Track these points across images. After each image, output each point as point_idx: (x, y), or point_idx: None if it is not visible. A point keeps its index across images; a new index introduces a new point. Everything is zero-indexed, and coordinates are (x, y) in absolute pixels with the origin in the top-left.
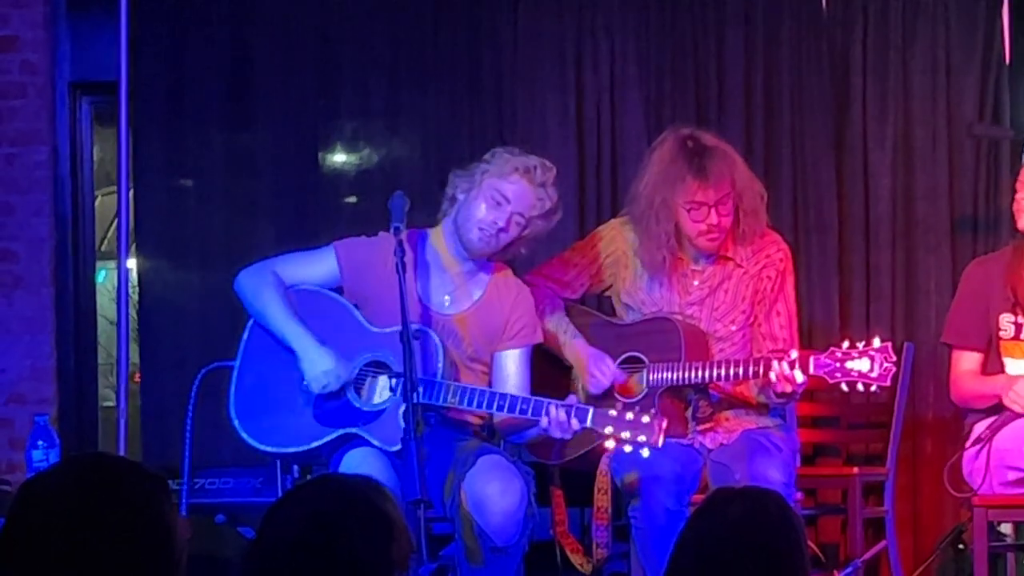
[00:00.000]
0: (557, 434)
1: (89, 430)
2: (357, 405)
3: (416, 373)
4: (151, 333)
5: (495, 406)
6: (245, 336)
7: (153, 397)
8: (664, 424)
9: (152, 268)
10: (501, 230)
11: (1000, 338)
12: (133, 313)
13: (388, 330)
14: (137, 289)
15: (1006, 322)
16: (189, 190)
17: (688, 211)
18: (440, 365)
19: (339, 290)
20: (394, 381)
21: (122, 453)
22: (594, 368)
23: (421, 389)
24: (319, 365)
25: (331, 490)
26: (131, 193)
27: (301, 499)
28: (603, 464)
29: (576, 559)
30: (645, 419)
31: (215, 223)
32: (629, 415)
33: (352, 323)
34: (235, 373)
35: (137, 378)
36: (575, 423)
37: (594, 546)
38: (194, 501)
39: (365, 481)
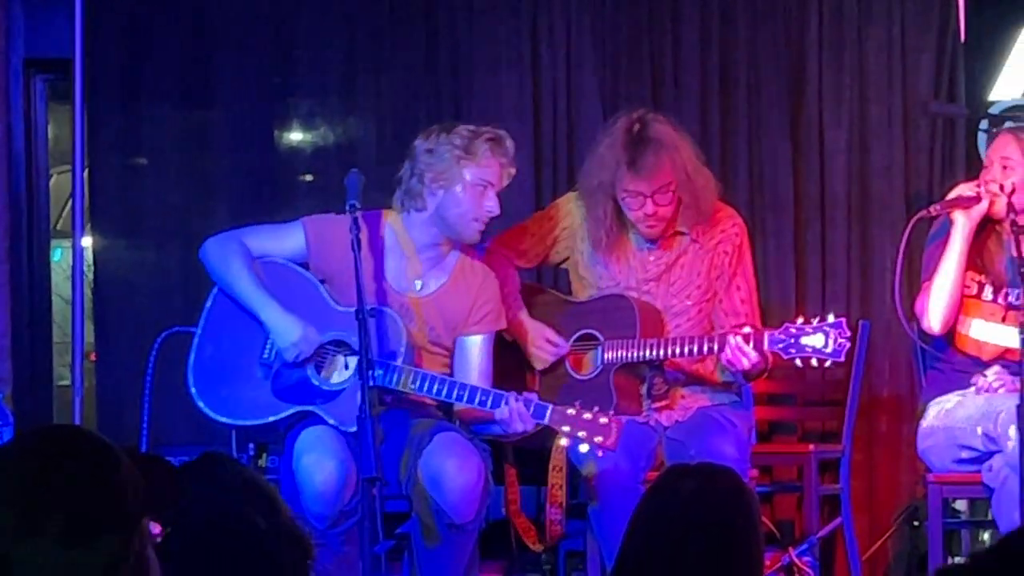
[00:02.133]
0: (518, 427)
1: (44, 409)
2: (316, 383)
3: (372, 353)
4: (106, 312)
5: (455, 395)
6: (209, 304)
7: (108, 376)
8: (621, 426)
9: (107, 246)
10: (490, 212)
11: (963, 293)
12: (88, 292)
13: (352, 309)
14: (92, 268)
15: (971, 279)
16: (144, 168)
17: (624, 198)
18: (402, 348)
19: (305, 266)
20: (353, 361)
21: None
22: (533, 347)
23: (381, 372)
24: (290, 335)
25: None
26: (86, 171)
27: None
28: (558, 442)
29: (528, 538)
30: (603, 420)
31: (170, 201)
32: (587, 415)
33: (317, 300)
34: (196, 340)
35: (92, 357)
36: (532, 421)
37: (548, 524)
38: None
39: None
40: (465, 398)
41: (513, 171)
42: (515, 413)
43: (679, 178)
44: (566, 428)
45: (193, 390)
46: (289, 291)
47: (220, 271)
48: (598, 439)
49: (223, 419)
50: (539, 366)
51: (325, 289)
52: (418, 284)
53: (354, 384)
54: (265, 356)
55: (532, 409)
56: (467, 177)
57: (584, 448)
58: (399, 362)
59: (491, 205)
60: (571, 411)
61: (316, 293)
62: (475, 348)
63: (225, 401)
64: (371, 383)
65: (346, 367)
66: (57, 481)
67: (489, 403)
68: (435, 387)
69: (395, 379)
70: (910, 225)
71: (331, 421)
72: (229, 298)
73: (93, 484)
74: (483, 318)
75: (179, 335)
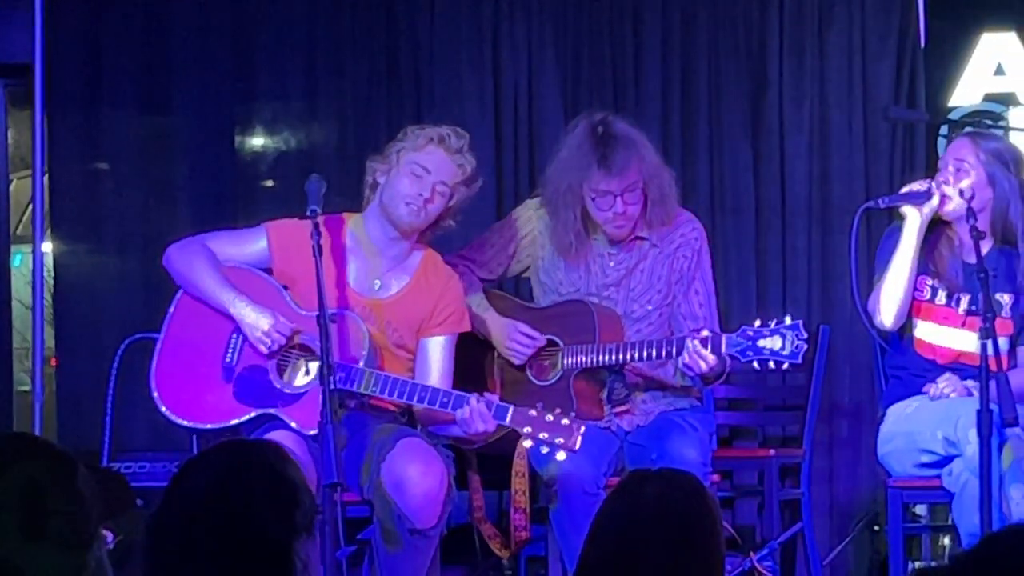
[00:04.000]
0: (479, 428)
1: (4, 415)
2: (278, 386)
3: (332, 357)
4: (67, 317)
5: (416, 398)
6: (171, 309)
7: (69, 382)
8: (583, 429)
9: (67, 252)
10: (427, 201)
11: (915, 298)
12: (48, 297)
13: (315, 313)
14: (52, 273)
15: (924, 284)
16: (105, 173)
17: (593, 199)
18: (364, 351)
19: (268, 271)
20: (315, 365)
21: None
22: (511, 342)
23: (343, 375)
24: (259, 326)
25: (233, 457)
26: (46, 176)
27: (203, 468)
28: (520, 447)
29: (494, 544)
30: (564, 421)
31: (131, 206)
32: (549, 416)
33: (280, 304)
34: (158, 345)
35: (53, 362)
36: (493, 422)
37: (512, 529)
38: None
39: (267, 446)
40: (427, 400)
41: (466, 165)
42: (476, 414)
43: (646, 174)
44: (528, 429)
45: (155, 394)
46: (252, 294)
47: (185, 273)
48: (559, 440)
49: (185, 423)
50: (518, 361)
51: (288, 294)
52: (377, 284)
53: (315, 388)
54: (228, 359)
55: (493, 410)
56: (403, 162)
57: (545, 450)
58: (361, 365)
59: (422, 189)
60: (533, 412)
61: (279, 297)
62: (436, 349)
63: (187, 405)
64: (333, 387)
65: (308, 371)
66: (16, 483)
67: (451, 405)
68: (397, 390)
69: (357, 382)
70: (857, 216)
71: (292, 424)
72: (192, 302)
73: (51, 487)
74: (446, 319)
75: (142, 341)
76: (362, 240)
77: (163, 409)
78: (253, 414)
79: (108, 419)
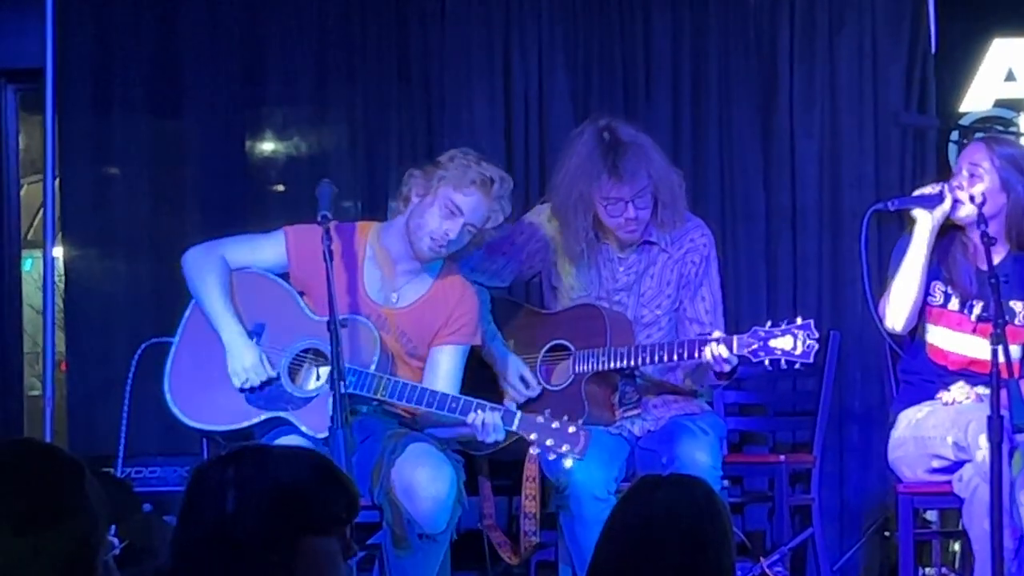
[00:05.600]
0: (490, 435)
1: (14, 420)
2: (289, 390)
3: (342, 362)
4: (77, 322)
5: (425, 402)
6: (187, 313)
7: (79, 386)
8: (589, 436)
9: (78, 257)
10: (452, 241)
11: (927, 303)
12: (59, 302)
13: (327, 318)
14: (63, 278)
15: (937, 289)
16: (115, 178)
17: (605, 206)
18: (376, 356)
19: (285, 276)
20: (326, 369)
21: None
22: (506, 384)
23: (354, 379)
24: (241, 360)
25: (242, 463)
26: (57, 181)
27: (215, 470)
28: (531, 452)
29: (504, 552)
30: (571, 429)
31: (141, 212)
32: (555, 424)
33: (293, 309)
34: (173, 348)
35: (63, 367)
36: (503, 430)
37: (522, 535)
38: None
39: (281, 454)
40: (436, 404)
41: (500, 214)
42: (489, 425)
43: (656, 178)
44: (534, 435)
45: (168, 396)
46: (265, 301)
47: (195, 283)
48: (565, 447)
49: (196, 424)
50: (508, 401)
51: (302, 299)
52: (395, 296)
53: (326, 391)
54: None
55: (501, 415)
56: (440, 194)
57: (552, 457)
58: (372, 370)
59: (450, 228)
60: (540, 419)
61: (292, 303)
62: (446, 358)
63: (199, 407)
64: (345, 391)
65: (319, 376)
66: (24, 488)
67: (459, 410)
68: (407, 394)
69: (368, 386)
70: (866, 217)
71: (303, 427)
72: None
73: (60, 492)
74: (457, 330)
75: (157, 345)
76: (379, 252)
77: (175, 411)
78: (264, 417)
79: (125, 420)
